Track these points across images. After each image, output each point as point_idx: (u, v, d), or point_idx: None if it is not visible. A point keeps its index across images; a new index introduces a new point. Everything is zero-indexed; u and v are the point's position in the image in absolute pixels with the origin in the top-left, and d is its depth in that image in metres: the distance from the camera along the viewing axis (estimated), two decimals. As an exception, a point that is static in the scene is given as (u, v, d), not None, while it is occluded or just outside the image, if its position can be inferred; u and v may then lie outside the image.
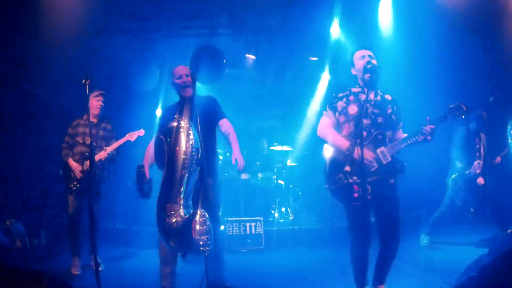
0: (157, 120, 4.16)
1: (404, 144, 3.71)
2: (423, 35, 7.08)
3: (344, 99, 3.91)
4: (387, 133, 3.78)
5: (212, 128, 4.38)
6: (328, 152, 6.41)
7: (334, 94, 4.00)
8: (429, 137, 3.63)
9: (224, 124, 4.37)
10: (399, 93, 4.03)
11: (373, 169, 3.66)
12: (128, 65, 7.54)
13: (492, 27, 7.20)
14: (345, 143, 3.72)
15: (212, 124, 4.37)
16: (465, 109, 3.65)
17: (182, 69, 4.25)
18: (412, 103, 3.95)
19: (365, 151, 3.60)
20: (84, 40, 6.73)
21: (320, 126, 4.01)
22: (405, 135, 3.81)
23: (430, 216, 6.50)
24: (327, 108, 3.99)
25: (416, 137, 3.67)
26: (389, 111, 3.86)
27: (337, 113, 3.92)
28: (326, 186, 3.89)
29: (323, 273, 5.27)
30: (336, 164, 3.72)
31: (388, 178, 3.73)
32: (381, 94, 3.93)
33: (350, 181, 3.58)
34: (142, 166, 4.06)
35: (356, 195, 3.56)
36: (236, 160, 4.21)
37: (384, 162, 3.67)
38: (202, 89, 8.70)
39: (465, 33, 7.10)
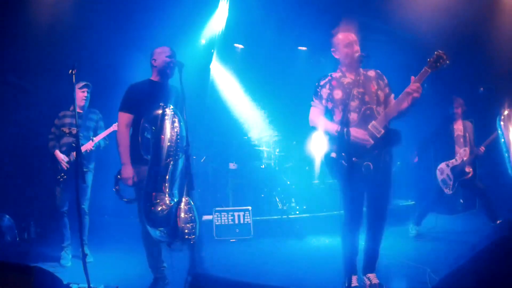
0: (126, 98, 3.98)
1: (393, 112, 3.68)
2: (412, 23, 7.06)
3: (328, 86, 3.89)
4: (378, 108, 3.75)
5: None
6: (315, 145, 6.44)
7: (316, 83, 3.98)
8: (415, 94, 3.56)
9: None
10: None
11: (369, 146, 3.65)
12: (117, 55, 7.46)
13: (482, 18, 7.21)
14: (334, 127, 3.70)
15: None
16: (445, 57, 3.52)
17: (170, 50, 4.15)
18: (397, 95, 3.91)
19: (356, 130, 3.62)
20: (70, 31, 6.66)
21: (310, 117, 3.99)
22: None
23: (419, 206, 6.52)
24: (313, 98, 3.98)
25: (404, 99, 3.61)
26: (374, 88, 3.83)
27: (323, 101, 3.90)
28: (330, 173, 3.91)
29: (312, 262, 5.26)
30: (334, 151, 3.73)
31: (386, 152, 3.72)
32: (364, 72, 3.90)
33: (354, 160, 3.56)
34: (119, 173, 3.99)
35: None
36: None
37: (378, 135, 3.65)
38: (190, 78, 8.69)
39: (455, 25, 7.10)
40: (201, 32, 8.26)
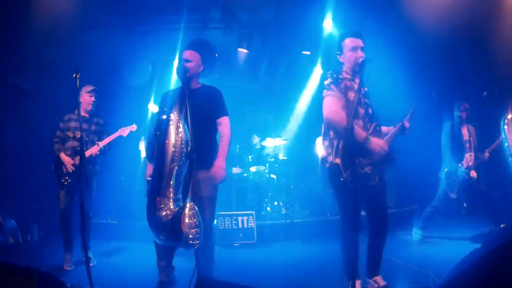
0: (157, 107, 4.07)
1: (394, 136, 3.79)
2: (416, 29, 7.06)
3: (344, 82, 3.75)
4: (375, 121, 3.81)
5: (210, 121, 4.15)
6: (319, 149, 6.38)
7: (334, 75, 3.77)
8: (406, 132, 3.77)
9: (222, 123, 4.14)
10: (391, 87, 4.04)
11: (380, 158, 3.68)
12: (120, 59, 7.49)
13: (486, 22, 7.20)
14: (362, 133, 3.64)
15: (211, 117, 4.14)
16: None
17: (187, 54, 4.13)
18: (402, 98, 3.93)
19: (378, 139, 3.68)
20: (75, 34, 6.68)
21: (330, 108, 3.68)
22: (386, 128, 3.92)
23: (423, 211, 6.51)
24: (334, 88, 3.70)
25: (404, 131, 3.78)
26: (372, 103, 3.88)
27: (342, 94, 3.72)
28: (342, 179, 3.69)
29: (315, 267, 5.26)
30: (349, 154, 3.60)
31: (383, 167, 3.77)
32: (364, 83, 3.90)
33: (367, 170, 3.64)
34: None
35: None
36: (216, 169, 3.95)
37: (383, 152, 3.68)
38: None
39: (459, 28, 7.10)
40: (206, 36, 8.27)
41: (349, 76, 3.85)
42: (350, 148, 3.45)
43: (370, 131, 3.73)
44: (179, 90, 4.08)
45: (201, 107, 3.96)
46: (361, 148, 3.54)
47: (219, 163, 3.94)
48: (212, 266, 4.12)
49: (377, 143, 3.63)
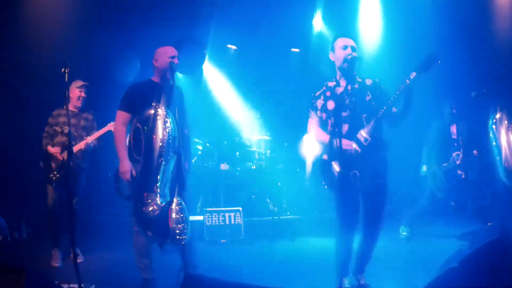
0: (126, 97, 3.99)
1: (379, 115, 3.65)
2: (407, 29, 7.11)
3: (322, 97, 3.93)
4: (369, 117, 3.71)
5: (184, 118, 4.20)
6: (306, 148, 6.47)
7: (312, 94, 4.02)
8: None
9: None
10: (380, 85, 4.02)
11: (355, 154, 3.66)
12: (109, 55, 7.45)
13: (476, 23, 7.26)
14: (326, 138, 3.78)
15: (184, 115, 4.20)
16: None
17: (174, 50, 4.10)
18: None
19: (344, 140, 3.64)
20: (64, 30, 6.64)
21: (309, 129, 4.05)
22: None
23: (410, 208, 6.54)
24: (310, 110, 4.02)
25: (392, 97, 3.60)
26: (368, 97, 3.82)
27: (318, 112, 3.93)
28: (323, 183, 3.89)
29: (303, 264, 5.27)
30: (325, 160, 3.80)
31: (377, 159, 3.74)
32: (359, 80, 3.90)
33: (338, 170, 3.63)
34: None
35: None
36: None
37: (365, 144, 3.66)
38: (182, 79, 8.68)
39: (449, 28, 7.15)
40: (196, 32, 8.25)
41: (333, 83, 3.93)
42: (331, 154, 3.68)
43: (349, 128, 3.74)
44: (158, 85, 4.04)
45: (179, 103, 4.02)
46: (332, 150, 3.61)
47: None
48: (198, 262, 4.11)
49: (347, 144, 3.65)
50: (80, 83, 5.42)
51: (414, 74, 3.50)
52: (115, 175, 3.89)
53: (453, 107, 6.28)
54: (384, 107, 3.62)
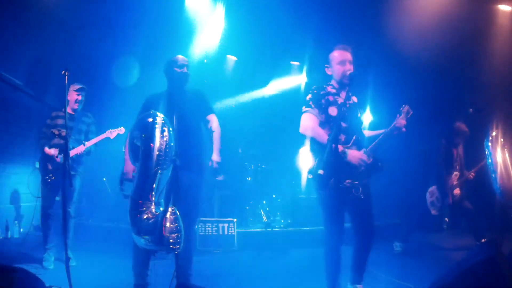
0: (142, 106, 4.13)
1: (382, 142, 3.75)
2: (405, 47, 7.14)
3: (325, 97, 3.86)
4: (360, 134, 3.85)
5: (198, 122, 4.32)
6: (302, 159, 6.46)
7: (315, 91, 3.89)
8: (403, 129, 3.69)
9: (211, 120, 4.32)
10: (378, 104, 4.10)
11: (361, 169, 3.71)
12: (108, 59, 7.45)
13: (475, 40, 7.31)
14: (324, 138, 3.68)
15: (199, 118, 4.31)
16: (410, 112, 3.73)
17: (184, 59, 4.22)
18: (390, 114, 3.97)
19: (355, 151, 3.70)
20: (66, 31, 6.65)
21: (304, 122, 3.83)
22: (374, 132, 3.92)
23: (405, 224, 6.55)
24: (312, 105, 3.84)
25: (394, 132, 3.71)
26: (359, 114, 3.94)
27: (320, 110, 3.84)
28: (318, 191, 3.83)
29: (295, 276, 5.25)
30: (322, 168, 3.69)
31: (369, 177, 3.79)
32: (351, 95, 3.98)
33: (347, 183, 3.65)
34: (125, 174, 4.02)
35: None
36: (212, 162, 4.17)
37: (368, 162, 3.72)
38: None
39: (448, 44, 7.19)
40: (196, 41, 8.28)
41: (334, 90, 3.92)
42: (330, 161, 3.54)
43: (351, 143, 3.76)
44: (166, 93, 4.16)
45: (189, 109, 4.09)
46: (340, 161, 3.57)
47: (215, 156, 4.25)
48: (190, 272, 4.10)
49: (355, 156, 3.67)
50: (78, 86, 5.42)
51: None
52: (121, 175, 3.99)
53: (462, 135, 6.28)
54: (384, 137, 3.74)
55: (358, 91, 4.06)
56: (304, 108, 3.87)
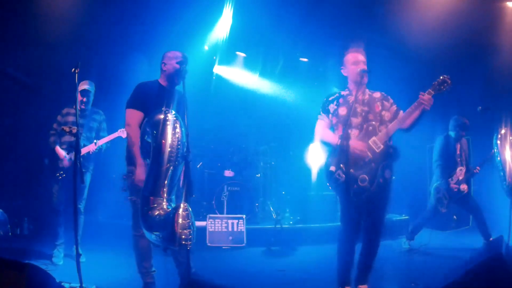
0: (138, 95, 4.03)
1: (400, 124, 3.79)
2: (413, 43, 7.12)
3: (335, 102, 4.08)
4: (381, 126, 3.87)
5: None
6: (311, 156, 6.53)
7: (325, 99, 4.16)
8: (426, 106, 3.67)
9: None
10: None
11: (367, 159, 3.78)
12: (119, 56, 7.47)
13: (484, 37, 7.28)
14: (335, 139, 3.88)
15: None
16: (449, 82, 3.72)
17: (184, 55, 4.12)
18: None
19: (356, 142, 3.78)
20: (77, 30, 6.67)
21: (316, 130, 4.17)
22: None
23: (413, 221, 6.54)
24: (321, 112, 4.15)
25: (413, 111, 3.72)
26: (378, 108, 3.97)
27: (330, 115, 4.07)
28: (328, 185, 3.99)
29: (304, 273, 5.27)
30: (333, 164, 3.86)
31: (384, 167, 3.79)
32: (369, 93, 4.06)
33: (351, 174, 3.69)
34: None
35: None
36: None
37: (377, 150, 3.78)
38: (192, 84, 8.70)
39: (456, 41, 7.17)
40: (205, 38, 8.30)
41: (347, 92, 4.09)
42: (337, 156, 3.77)
43: (361, 134, 3.86)
44: (167, 89, 4.12)
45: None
46: (345, 154, 3.64)
47: None
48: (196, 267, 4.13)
49: (355, 146, 3.74)
50: (82, 87, 5.38)
51: (431, 93, 3.69)
52: (123, 177, 3.94)
53: (465, 129, 6.25)
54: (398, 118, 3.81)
55: (375, 88, 4.14)
56: (319, 116, 4.17)
